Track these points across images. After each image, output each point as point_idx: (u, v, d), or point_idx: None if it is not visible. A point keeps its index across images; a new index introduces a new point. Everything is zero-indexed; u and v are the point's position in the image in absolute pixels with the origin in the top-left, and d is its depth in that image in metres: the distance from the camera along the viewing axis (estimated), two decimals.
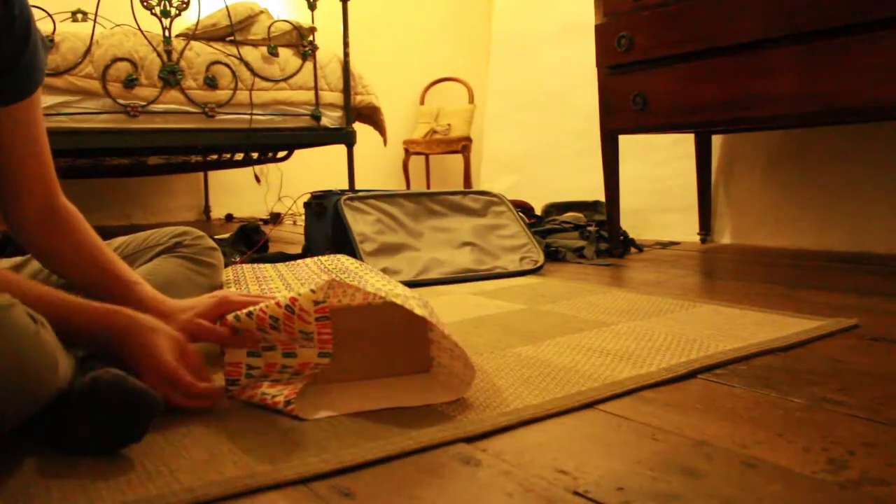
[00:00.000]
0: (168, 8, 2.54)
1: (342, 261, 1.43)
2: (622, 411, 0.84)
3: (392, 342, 0.95)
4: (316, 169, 4.00)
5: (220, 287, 1.23)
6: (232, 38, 2.72)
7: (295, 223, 3.50)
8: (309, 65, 2.84)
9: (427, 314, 0.87)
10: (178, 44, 2.57)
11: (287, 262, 1.65)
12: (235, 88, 2.64)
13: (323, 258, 1.51)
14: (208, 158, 3.55)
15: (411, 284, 1.77)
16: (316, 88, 2.86)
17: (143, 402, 0.72)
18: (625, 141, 2.36)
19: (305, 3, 2.89)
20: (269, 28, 2.80)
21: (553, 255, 2.20)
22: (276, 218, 3.59)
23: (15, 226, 0.93)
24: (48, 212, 0.92)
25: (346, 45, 2.94)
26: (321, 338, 0.88)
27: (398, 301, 0.85)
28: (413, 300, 0.89)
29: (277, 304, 0.86)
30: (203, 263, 1.17)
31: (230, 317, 0.90)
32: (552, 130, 3.44)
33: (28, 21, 0.86)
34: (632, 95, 2.13)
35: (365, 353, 0.94)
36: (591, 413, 0.84)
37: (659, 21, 2.04)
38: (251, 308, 0.88)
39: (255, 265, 1.64)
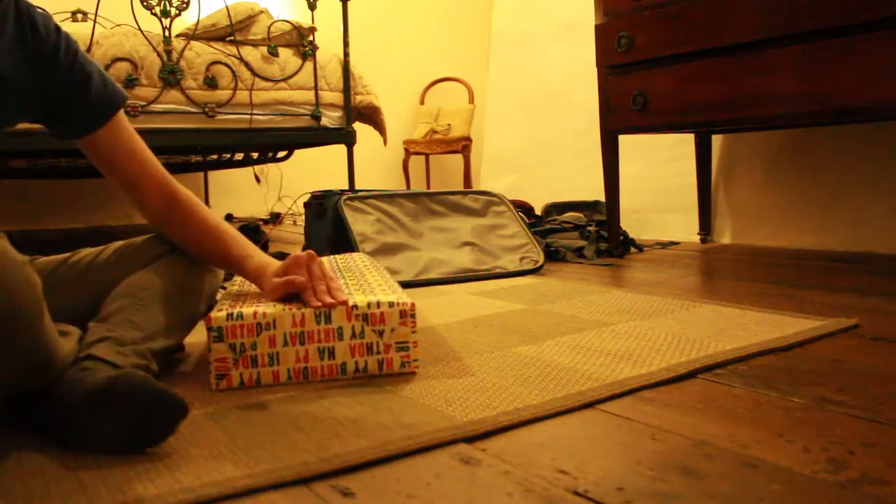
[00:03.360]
0: (168, 8, 2.54)
1: (356, 260, 1.42)
2: (622, 411, 0.84)
3: None
4: (316, 169, 4.00)
5: (221, 289, 1.23)
6: (232, 38, 2.72)
7: (295, 223, 3.50)
8: (309, 65, 2.84)
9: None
10: (178, 44, 2.57)
11: None
12: (235, 88, 2.64)
13: (338, 257, 1.50)
14: (208, 158, 3.54)
15: (411, 284, 1.77)
16: (316, 88, 2.86)
17: (170, 404, 0.73)
18: (625, 141, 2.36)
19: (305, 3, 2.88)
20: (269, 28, 2.80)
21: (553, 255, 2.20)
22: (276, 218, 3.59)
23: (147, 218, 1.10)
24: (169, 205, 1.08)
25: (346, 45, 2.94)
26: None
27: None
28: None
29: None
30: (206, 268, 1.18)
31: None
32: (552, 130, 3.44)
33: (75, 52, 0.99)
34: (632, 95, 2.13)
35: None
36: (591, 413, 0.84)
37: (659, 21, 2.04)
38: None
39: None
